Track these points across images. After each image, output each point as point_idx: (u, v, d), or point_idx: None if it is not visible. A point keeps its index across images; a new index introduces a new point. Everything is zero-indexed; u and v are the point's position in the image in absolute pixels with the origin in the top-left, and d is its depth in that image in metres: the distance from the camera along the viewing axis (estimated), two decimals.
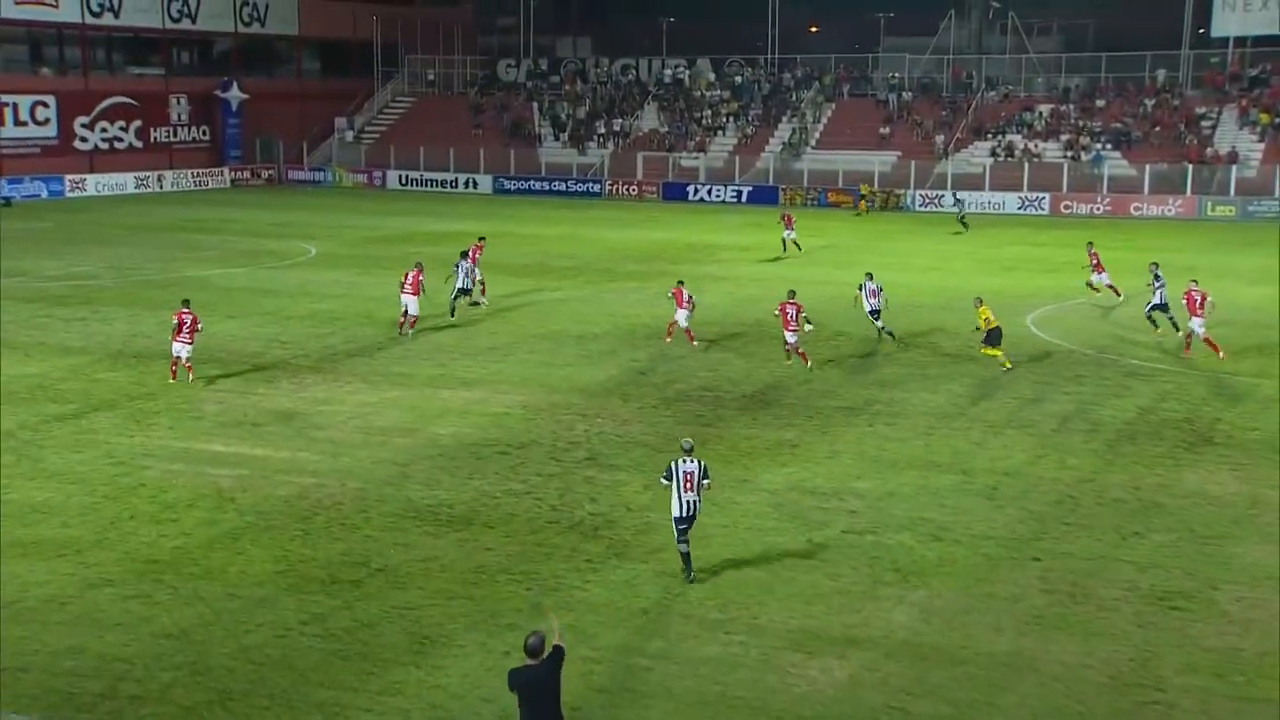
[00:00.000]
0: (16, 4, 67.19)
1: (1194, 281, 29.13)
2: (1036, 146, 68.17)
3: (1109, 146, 66.80)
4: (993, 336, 27.27)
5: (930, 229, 56.01)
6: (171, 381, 25.38)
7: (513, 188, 73.85)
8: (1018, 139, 68.91)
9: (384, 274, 38.87)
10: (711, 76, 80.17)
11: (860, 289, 30.17)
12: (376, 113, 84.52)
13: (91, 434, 21.74)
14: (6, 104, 67.93)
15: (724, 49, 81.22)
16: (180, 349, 25.39)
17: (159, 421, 22.61)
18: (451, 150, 75.58)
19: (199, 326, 25.71)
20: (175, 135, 76.95)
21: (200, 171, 75.41)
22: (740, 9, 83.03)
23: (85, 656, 13.60)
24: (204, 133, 78.55)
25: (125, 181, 70.65)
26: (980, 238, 52.42)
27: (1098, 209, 62.70)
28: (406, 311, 30.48)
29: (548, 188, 73.32)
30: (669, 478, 15.39)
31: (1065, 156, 66.62)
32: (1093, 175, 64.99)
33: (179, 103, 76.83)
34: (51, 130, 69.97)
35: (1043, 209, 63.36)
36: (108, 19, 72.29)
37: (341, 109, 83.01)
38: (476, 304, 33.67)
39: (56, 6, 69.20)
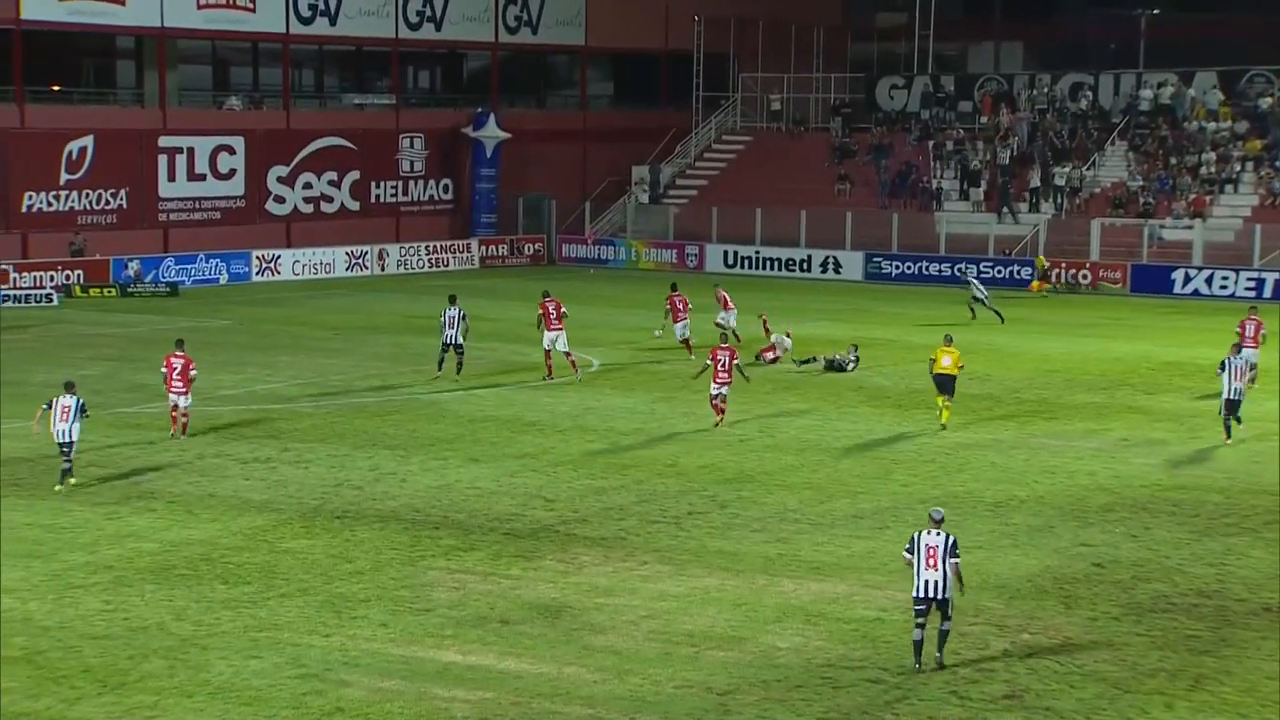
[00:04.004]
0: (199, 8, 72.01)
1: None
2: None
3: None
4: (941, 384, 36.49)
5: None
6: (171, 434, 34.95)
7: (894, 271, 74.16)
8: None
9: (698, 400, 39.50)
10: (1217, 101, 78.55)
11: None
12: (694, 159, 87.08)
13: (274, 630, 22.79)
14: (179, 149, 72.19)
15: (1238, 56, 79.48)
16: (177, 398, 34.76)
17: (368, 614, 23.51)
18: (803, 214, 76.80)
19: (192, 373, 34.73)
20: (405, 192, 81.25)
21: (438, 245, 79.00)
22: None
23: None
24: (445, 189, 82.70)
25: (334, 260, 74.56)
26: None
27: None
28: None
29: (948, 272, 73.10)
30: (911, 551, 20.59)
31: None
32: None
33: (412, 145, 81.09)
34: (237, 186, 74.54)
35: None
36: (320, 26, 76.81)
37: (641, 154, 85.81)
38: (460, 356, 43.73)
39: (253, 9, 73.94)
